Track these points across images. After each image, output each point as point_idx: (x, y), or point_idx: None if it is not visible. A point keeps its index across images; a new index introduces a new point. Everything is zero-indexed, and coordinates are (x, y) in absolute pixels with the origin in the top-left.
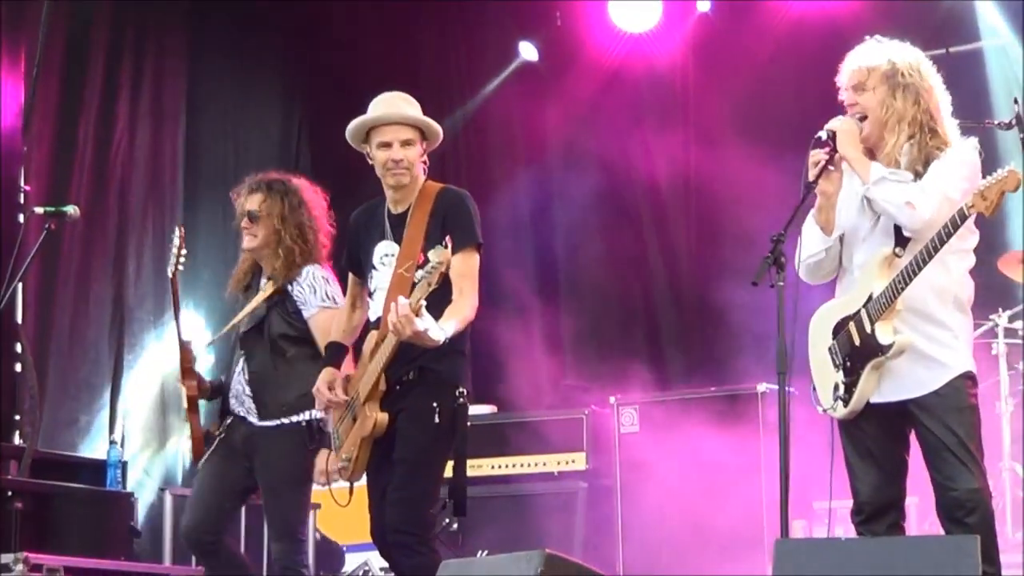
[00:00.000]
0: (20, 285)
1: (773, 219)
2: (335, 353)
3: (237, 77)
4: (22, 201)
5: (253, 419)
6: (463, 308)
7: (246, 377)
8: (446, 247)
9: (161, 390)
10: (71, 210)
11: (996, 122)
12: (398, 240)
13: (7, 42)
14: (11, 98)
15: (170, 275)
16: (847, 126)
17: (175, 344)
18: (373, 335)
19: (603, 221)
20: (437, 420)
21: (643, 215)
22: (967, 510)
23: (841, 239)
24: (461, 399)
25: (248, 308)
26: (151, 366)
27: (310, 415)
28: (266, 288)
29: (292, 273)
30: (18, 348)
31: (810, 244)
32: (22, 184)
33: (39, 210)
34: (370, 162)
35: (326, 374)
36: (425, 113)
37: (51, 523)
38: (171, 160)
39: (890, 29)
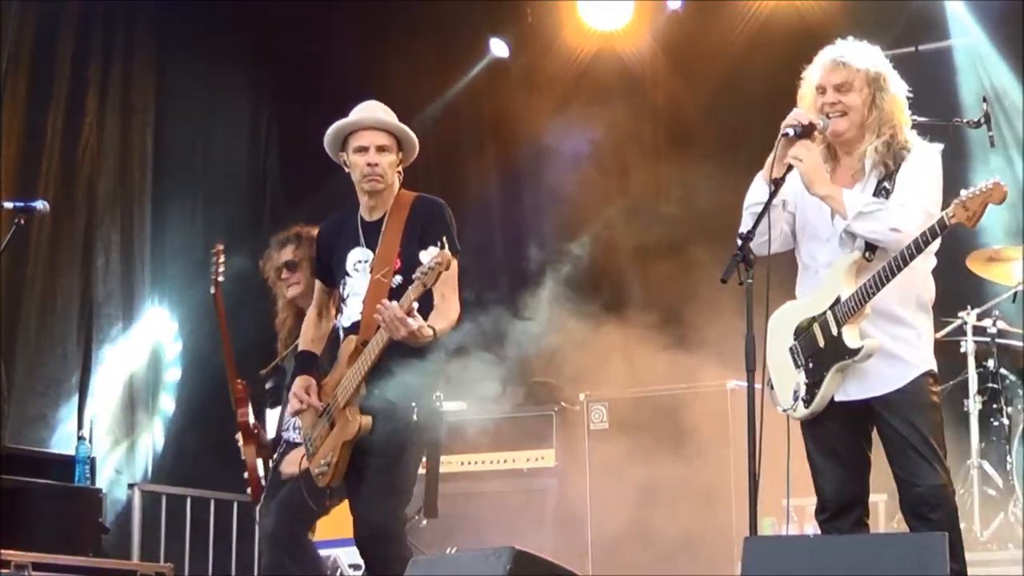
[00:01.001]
0: None
1: (742, 216)
2: (307, 361)
3: (206, 74)
4: None
5: None
6: (449, 312)
7: None
8: (443, 247)
9: (129, 386)
10: (40, 205)
11: (965, 120)
12: (372, 247)
13: None
14: None
15: (212, 292)
16: (811, 162)
17: (225, 372)
18: (352, 339)
19: (573, 217)
20: (416, 418)
21: (613, 212)
22: (931, 506)
23: (798, 231)
24: (438, 402)
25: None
26: (120, 362)
27: None
28: None
29: None
30: None
31: (754, 193)
32: None
33: (8, 205)
34: (346, 170)
35: (301, 380)
36: (396, 111)
37: (19, 519)
38: (140, 156)
39: (860, 27)
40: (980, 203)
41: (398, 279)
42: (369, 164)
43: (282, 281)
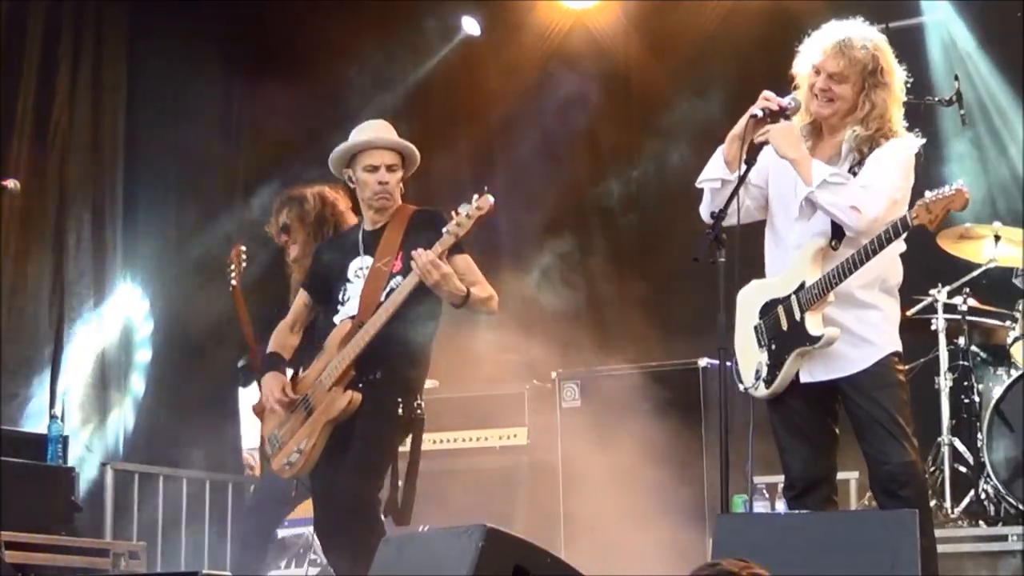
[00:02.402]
0: None
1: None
2: (276, 362)
3: (178, 52)
4: None
5: None
6: (488, 288)
7: None
8: (483, 194)
9: (101, 364)
10: (11, 184)
11: (937, 99)
12: (371, 253)
13: None
14: None
15: (231, 289)
16: (780, 128)
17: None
18: (347, 322)
19: (546, 195)
20: (400, 412)
21: (585, 190)
22: (900, 483)
23: (769, 203)
24: (419, 410)
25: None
26: (91, 341)
27: None
28: None
29: None
30: None
31: (711, 169)
32: None
33: None
34: (352, 186)
35: (273, 377)
36: (368, 90)
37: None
38: (111, 134)
39: (831, 4)
40: (942, 207)
41: (397, 279)
42: (380, 183)
43: (283, 243)
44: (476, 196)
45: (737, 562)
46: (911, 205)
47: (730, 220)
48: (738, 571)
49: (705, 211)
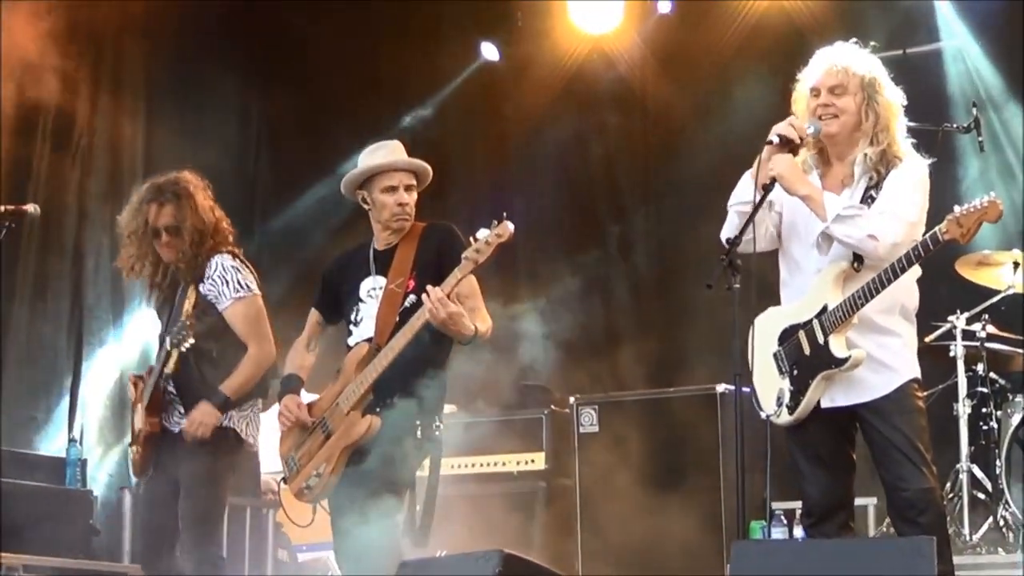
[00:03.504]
0: None
1: (728, 215)
2: (293, 382)
3: (196, 77)
4: None
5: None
6: (487, 319)
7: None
8: (502, 221)
9: (120, 387)
10: (31, 208)
11: (955, 126)
12: (383, 273)
13: None
14: None
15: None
16: (785, 166)
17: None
18: (363, 345)
19: (563, 221)
20: (419, 434)
21: (603, 215)
22: (919, 510)
23: (785, 231)
24: (438, 432)
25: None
26: (110, 364)
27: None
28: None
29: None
30: None
31: (741, 192)
32: None
33: None
34: (366, 207)
35: (291, 399)
36: (386, 114)
37: (10, 521)
38: (130, 158)
39: (848, 30)
40: (975, 220)
41: (412, 298)
42: (400, 204)
43: (155, 241)
44: (495, 222)
45: None
46: (928, 227)
47: (747, 247)
48: None
49: (727, 234)
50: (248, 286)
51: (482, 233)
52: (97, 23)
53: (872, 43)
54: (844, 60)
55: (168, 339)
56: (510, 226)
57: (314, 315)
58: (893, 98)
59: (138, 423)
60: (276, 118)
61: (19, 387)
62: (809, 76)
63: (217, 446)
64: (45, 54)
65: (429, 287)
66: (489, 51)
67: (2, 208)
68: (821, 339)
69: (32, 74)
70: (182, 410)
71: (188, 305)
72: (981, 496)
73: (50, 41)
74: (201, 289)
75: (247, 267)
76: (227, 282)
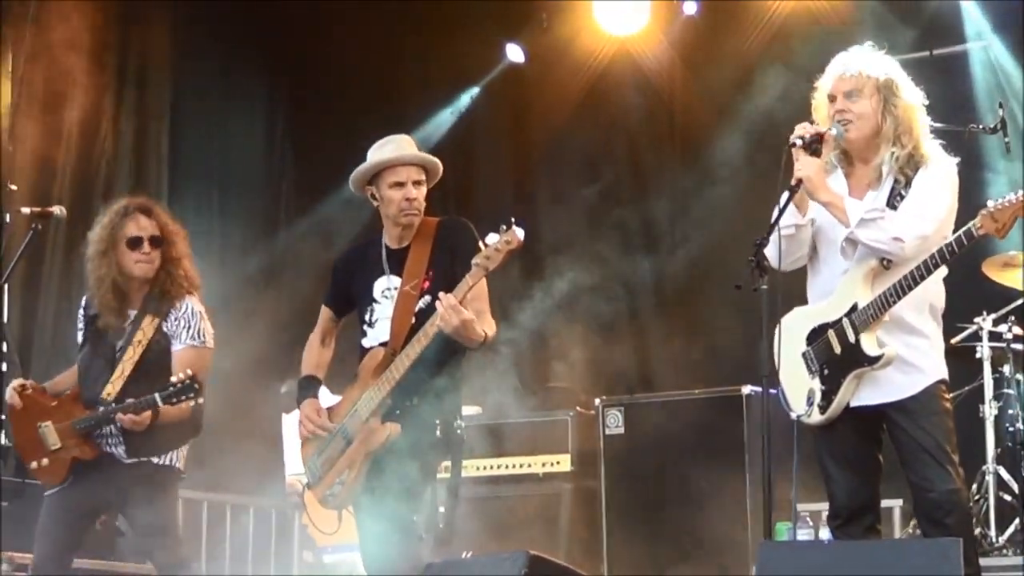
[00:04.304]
0: (5, 285)
1: (758, 222)
2: (312, 385)
3: (221, 77)
4: (7, 201)
5: None
6: (491, 322)
7: None
8: (511, 227)
9: None
10: (58, 210)
11: (981, 126)
12: (399, 273)
13: None
14: None
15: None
16: (811, 170)
17: None
18: (379, 351)
19: (589, 223)
20: (438, 434)
21: (629, 217)
22: (945, 511)
23: (814, 233)
24: (459, 430)
25: None
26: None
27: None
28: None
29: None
30: (3, 347)
31: (783, 218)
32: (8, 184)
33: (25, 210)
34: (374, 203)
35: (310, 404)
36: (410, 117)
37: (36, 523)
38: (156, 160)
39: (876, 31)
40: (1010, 215)
41: (427, 299)
42: (408, 199)
43: (133, 253)
44: (503, 228)
45: None
46: (956, 228)
47: (773, 261)
48: None
49: (775, 258)
50: (205, 338)
51: (491, 239)
52: (123, 23)
53: (884, 45)
54: (858, 64)
55: (158, 396)
56: (519, 232)
57: (326, 312)
58: (913, 99)
59: (54, 440)
60: (302, 118)
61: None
62: (825, 83)
63: (165, 481)
64: (71, 54)
65: (442, 294)
66: (514, 52)
67: (28, 210)
68: (852, 338)
69: (58, 75)
70: (117, 433)
71: (141, 335)
72: (1007, 498)
73: (76, 41)
74: (164, 326)
75: (208, 320)
76: (190, 326)
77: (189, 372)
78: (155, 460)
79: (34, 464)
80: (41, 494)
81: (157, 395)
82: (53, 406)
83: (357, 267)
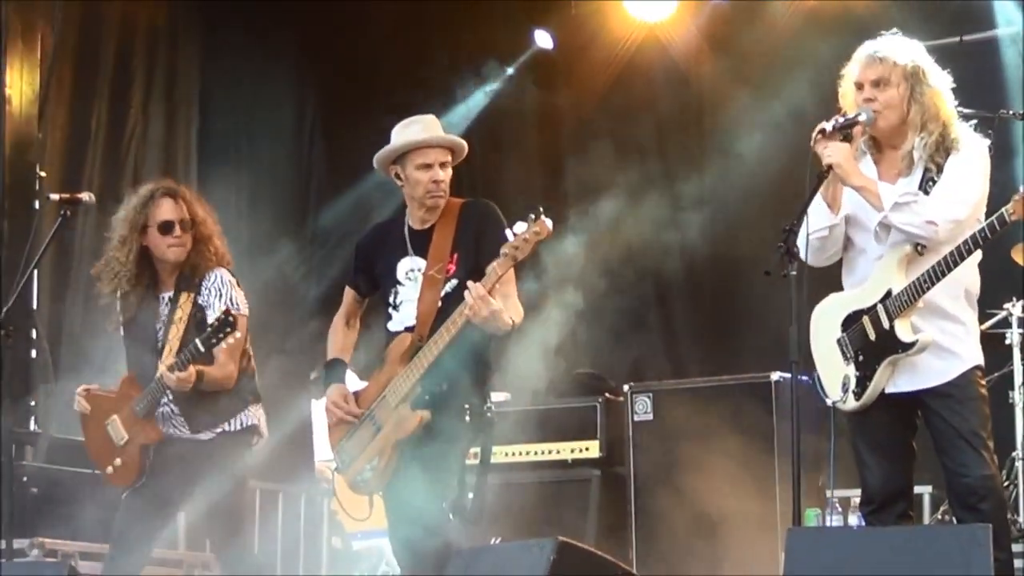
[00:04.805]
0: (35, 271)
1: (787, 208)
2: (339, 369)
3: (250, 65)
4: (37, 187)
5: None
6: (520, 309)
7: None
8: (538, 217)
9: None
10: (87, 197)
11: (1012, 112)
12: (422, 255)
13: (23, 30)
14: (26, 85)
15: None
16: (842, 155)
17: None
18: (406, 336)
19: (617, 211)
20: (468, 419)
21: (657, 205)
22: (980, 496)
23: (846, 220)
24: (489, 412)
25: None
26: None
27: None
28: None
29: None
30: (33, 334)
31: (816, 220)
32: (37, 170)
33: (55, 197)
34: (399, 183)
35: (337, 390)
36: (439, 103)
37: (66, 508)
38: (184, 147)
39: (905, 18)
40: None
41: (453, 282)
42: (435, 181)
43: (165, 238)
44: (532, 217)
45: None
46: (987, 213)
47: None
48: None
49: (815, 259)
50: (239, 305)
51: (520, 227)
52: (152, 12)
53: (913, 32)
54: (884, 51)
55: (199, 341)
56: (548, 223)
57: (349, 293)
58: (940, 84)
59: (121, 433)
60: (330, 107)
61: (75, 375)
62: (852, 71)
63: (238, 446)
64: (100, 42)
65: (470, 283)
66: (543, 39)
67: (58, 196)
68: (886, 324)
69: (86, 62)
70: (177, 413)
71: (180, 313)
72: None
73: (105, 29)
74: (198, 299)
75: (240, 289)
76: (222, 295)
77: (224, 308)
78: (227, 428)
79: (109, 469)
80: (71, 483)
81: (197, 340)
82: (115, 399)
83: (380, 247)
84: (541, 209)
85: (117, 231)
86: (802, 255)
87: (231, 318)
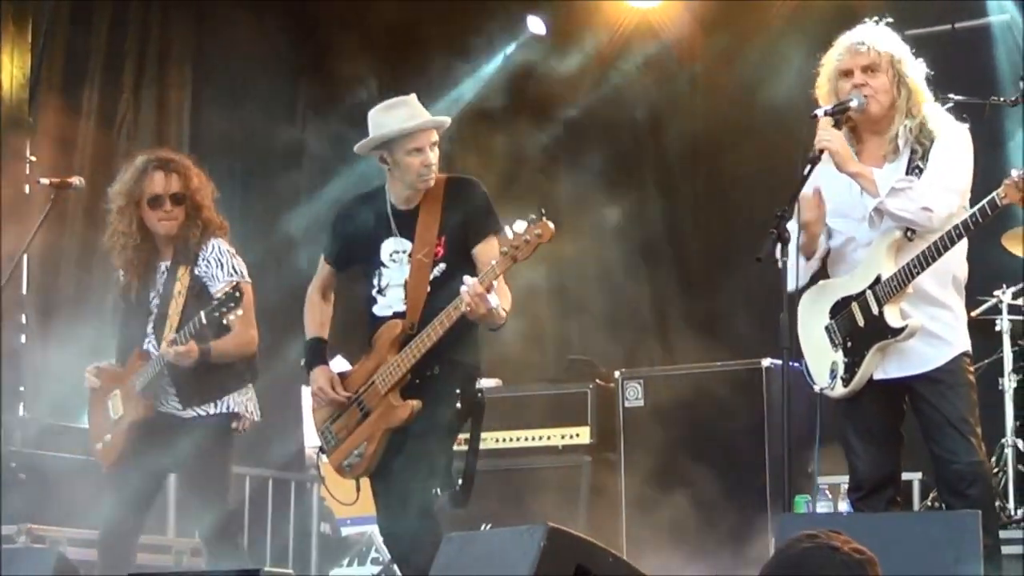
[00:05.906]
0: (25, 256)
1: (779, 193)
2: (321, 350)
3: (242, 49)
4: (28, 172)
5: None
6: (507, 292)
7: None
8: (540, 219)
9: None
10: (77, 181)
11: (1002, 99)
12: (407, 236)
13: (13, 13)
14: (17, 69)
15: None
16: (838, 142)
17: None
18: (397, 323)
19: (610, 195)
20: (459, 405)
21: (650, 189)
22: (968, 482)
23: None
24: (479, 395)
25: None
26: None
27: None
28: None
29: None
30: (23, 319)
31: (802, 276)
32: (28, 155)
33: (45, 181)
34: (385, 167)
35: (322, 373)
36: (432, 88)
37: (54, 494)
38: (176, 132)
39: (897, 5)
40: None
41: (441, 267)
42: (426, 165)
43: (155, 212)
44: (533, 217)
45: (837, 536)
46: (974, 198)
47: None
48: (840, 546)
49: (792, 281)
50: (242, 273)
51: (520, 226)
52: None
53: (888, 20)
54: (871, 39)
55: (203, 314)
56: (550, 225)
57: (326, 267)
58: (917, 71)
59: (117, 408)
60: (324, 90)
61: (65, 360)
62: (837, 59)
63: (219, 429)
64: (91, 26)
65: (467, 279)
66: (535, 24)
67: (48, 180)
68: (875, 310)
69: (78, 46)
70: (172, 390)
71: (179, 287)
72: None
73: (97, 12)
74: (196, 271)
75: (239, 256)
76: (222, 265)
77: (232, 282)
78: (210, 410)
79: (99, 445)
80: (60, 469)
81: (201, 313)
82: (123, 373)
83: (360, 223)
84: (543, 211)
85: (115, 203)
86: (791, 286)
87: (238, 293)
